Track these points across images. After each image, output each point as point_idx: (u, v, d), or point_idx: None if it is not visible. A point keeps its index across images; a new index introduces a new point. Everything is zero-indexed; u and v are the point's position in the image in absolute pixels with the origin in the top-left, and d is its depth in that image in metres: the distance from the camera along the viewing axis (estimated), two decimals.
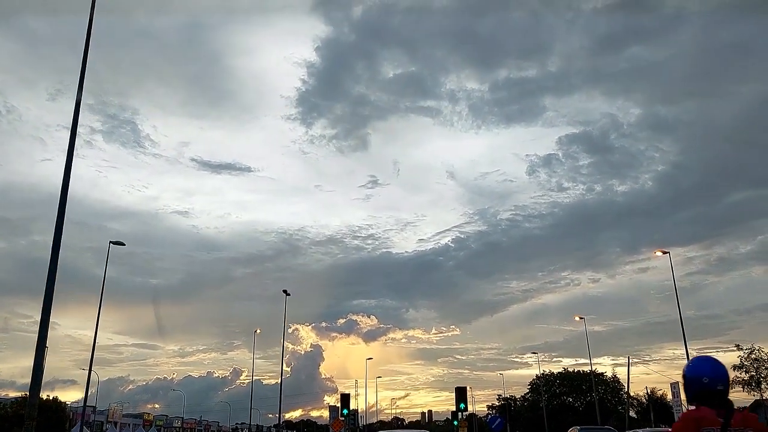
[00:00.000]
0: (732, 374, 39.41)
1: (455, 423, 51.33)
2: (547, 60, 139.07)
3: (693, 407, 3.33)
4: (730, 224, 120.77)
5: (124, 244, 27.23)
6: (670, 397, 62.66)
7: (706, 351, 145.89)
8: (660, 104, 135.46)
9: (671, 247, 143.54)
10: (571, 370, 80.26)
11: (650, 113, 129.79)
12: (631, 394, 75.84)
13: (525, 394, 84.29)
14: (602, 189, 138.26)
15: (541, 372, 78.27)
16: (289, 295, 36.86)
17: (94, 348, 28.56)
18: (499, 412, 31.18)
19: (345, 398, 27.09)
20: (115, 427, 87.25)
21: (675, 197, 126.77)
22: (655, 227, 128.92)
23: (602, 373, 77.89)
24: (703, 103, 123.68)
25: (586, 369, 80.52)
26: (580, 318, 46.98)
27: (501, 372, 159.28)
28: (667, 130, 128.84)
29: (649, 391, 57.40)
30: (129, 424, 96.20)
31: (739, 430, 3.21)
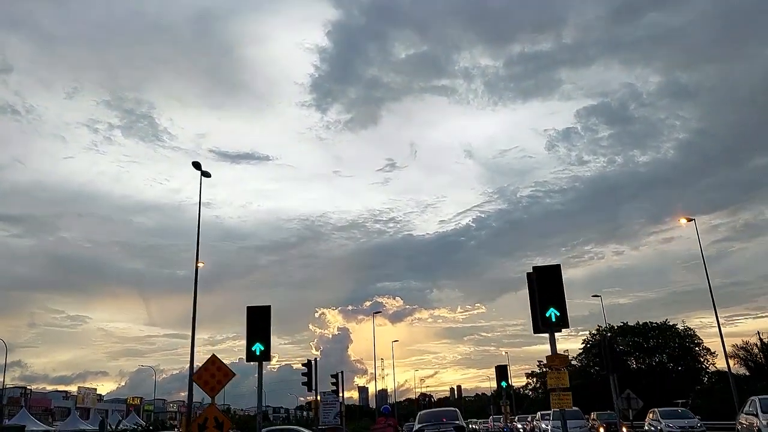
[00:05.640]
0: None
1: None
2: (562, 32, 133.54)
3: (381, 417, 15.17)
4: (754, 189, 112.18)
5: None
6: None
7: (733, 318, 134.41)
8: (680, 71, 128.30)
9: (696, 215, 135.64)
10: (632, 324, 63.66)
11: (670, 80, 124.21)
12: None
13: (575, 356, 68.60)
14: (623, 160, 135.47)
15: (601, 328, 61.70)
16: (209, 176, 21.55)
17: None
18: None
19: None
20: (86, 414, 75.34)
21: (698, 164, 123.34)
22: (678, 196, 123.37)
23: (674, 324, 61.46)
24: (724, 67, 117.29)
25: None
26: (689, 220, 30.57)
27: (526, 347, 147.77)
28: (687, 97, 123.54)
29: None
30: (108, 410, 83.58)
31: (387, 424, 14.27)
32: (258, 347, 11.11)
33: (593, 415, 29.47)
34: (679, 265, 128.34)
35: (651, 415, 24.41)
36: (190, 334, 18.79)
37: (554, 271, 9.71)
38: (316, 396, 20.43)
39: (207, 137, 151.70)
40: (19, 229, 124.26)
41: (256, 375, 11.10)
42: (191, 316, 19.57)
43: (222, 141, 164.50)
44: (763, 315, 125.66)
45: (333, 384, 25.00)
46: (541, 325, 9.48)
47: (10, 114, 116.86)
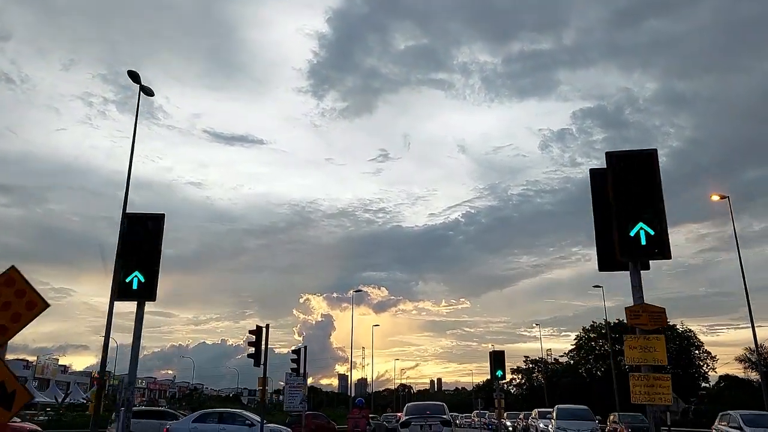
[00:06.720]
0: None
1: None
2: (563, 33, 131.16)
3: (356, 409, 25.93)
4: (745, 202, 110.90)
5: None
6: None
7: (715, 327, 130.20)
8: (677, 79, 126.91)
9: (684, 223, 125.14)
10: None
11: (667, 88, 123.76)
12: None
13: (566, 352, 65.25)
14: None
15: (591, 324, 58.23)
16: (152, 94, 17.15)
17: None
18: None
19: None
20: (45, 385, 71.63)
21: (689, 174, 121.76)
22: (668, 204, 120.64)
23: (673, 325, 58.26)
24: (721, 78, 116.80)
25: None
26: (722, 197, 26.68)
27: (509, 344, 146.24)
28: (683, 105, 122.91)
29: None
30: (70, 383, 79.63)
31: (361, 415, 24.33)
32: (136, 277, 6.92)
33: (613, 416, 25.11)
34: (665, 272, 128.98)
35: (724, 422, 18.04)
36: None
37: (647, 161, 5.53)
38: (265, 373, 16.30)
39: (202, 117, 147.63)
40: (7, 198, 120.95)
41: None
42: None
43: (217, 122, 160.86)
44: (746, 326, 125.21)
45: (294, 361, 20.78)
46: (622, 251, 5.23)
47: (5, 82, 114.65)
